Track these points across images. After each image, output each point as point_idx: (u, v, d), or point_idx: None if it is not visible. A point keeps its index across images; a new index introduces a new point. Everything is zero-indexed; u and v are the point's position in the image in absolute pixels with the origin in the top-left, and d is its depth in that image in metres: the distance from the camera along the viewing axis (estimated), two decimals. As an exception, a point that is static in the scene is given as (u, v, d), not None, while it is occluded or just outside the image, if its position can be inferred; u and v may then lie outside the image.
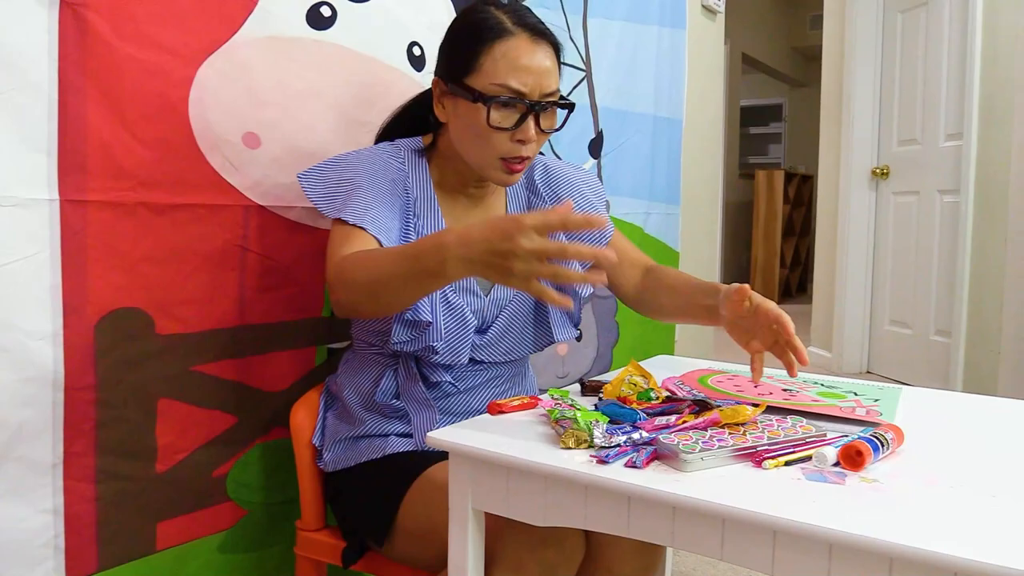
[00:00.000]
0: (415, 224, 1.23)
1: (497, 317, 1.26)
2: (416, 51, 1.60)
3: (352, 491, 1.24)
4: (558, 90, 1.18)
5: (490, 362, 1.28)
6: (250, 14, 1.29)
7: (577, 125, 2.20)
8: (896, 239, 3.98)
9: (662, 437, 0.85)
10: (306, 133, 1.40)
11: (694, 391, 1.06)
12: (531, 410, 1.05)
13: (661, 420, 0.93)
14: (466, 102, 1.15)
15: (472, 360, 1.25)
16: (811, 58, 7.49)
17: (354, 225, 1.14)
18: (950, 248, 3.52)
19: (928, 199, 3.73)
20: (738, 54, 7.16)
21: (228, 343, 1.33)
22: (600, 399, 1.05)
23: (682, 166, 2.79)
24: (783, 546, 0.71)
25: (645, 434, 0.88)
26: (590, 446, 0.88)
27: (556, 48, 1.20)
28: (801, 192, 7.34)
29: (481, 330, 1.25)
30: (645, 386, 1.05)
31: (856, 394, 1.10)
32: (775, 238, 7.08)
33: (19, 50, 1.04)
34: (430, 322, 1.16)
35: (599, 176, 2.31)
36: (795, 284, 7.51)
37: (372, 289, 1.04)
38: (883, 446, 0.85)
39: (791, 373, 1.05)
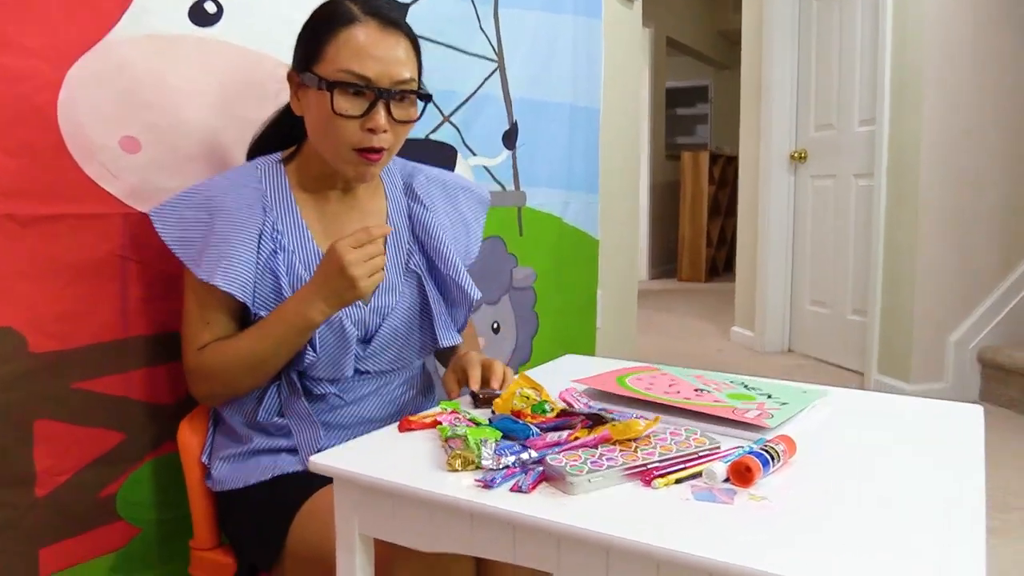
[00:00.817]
0: (280, 241, 1.19)
1: (381, 326, 1.23)
2: None
3: (240, 513, 1.20)
4: (415, 80, 1.16)
5: (377, 371, 1.25)
6: (125, 12, 1.21)
7: (490, 117, 2.16)
8: (815, 221, 4.06)
9: (550, 458, 0.83)
10: (190, 135, 1.33)
11: (590, 403, 1.04)
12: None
13: (553, 436, 0.91)
14: (315, 91, 1.13)
15: (358, 371, 1.22)
16: (735, 42, 7.56)
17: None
18: (865, 230, 3.61)
19: (844, 182, 3.81)
20: (663, 37, 7.20)
21: (111, 357, 1.26)
22: (493, 413, 1.02)
23: (600, 154, 2.79)
24: (667, 575, 0.70)
25: (535, 453, 0.86)
26: (478, 467, 0.85)
27: (411, 39, 1.17)
28: (726, 172, 7.45)
29: (365, 340, 1.22)
30: (538, 399, 1.02)
31: (770, 396, 1.10)
32: (701, 218, 7.18)
33: None
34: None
35: (514, 168, 2.28)
36: (722, 263, 7.63)
37: (245, 371, 1.16)
38: (773, 459, 0.84)
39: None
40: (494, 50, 2.15)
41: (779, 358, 4.12)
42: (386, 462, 0.90)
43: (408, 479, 0.84)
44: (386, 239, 1.28)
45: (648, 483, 0.82)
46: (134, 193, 1.26)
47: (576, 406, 1.02)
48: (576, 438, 0.90)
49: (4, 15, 1.07)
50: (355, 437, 1.22)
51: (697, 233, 7.21)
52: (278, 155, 1.25)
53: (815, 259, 4.07)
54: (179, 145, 1.31)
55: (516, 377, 1.11)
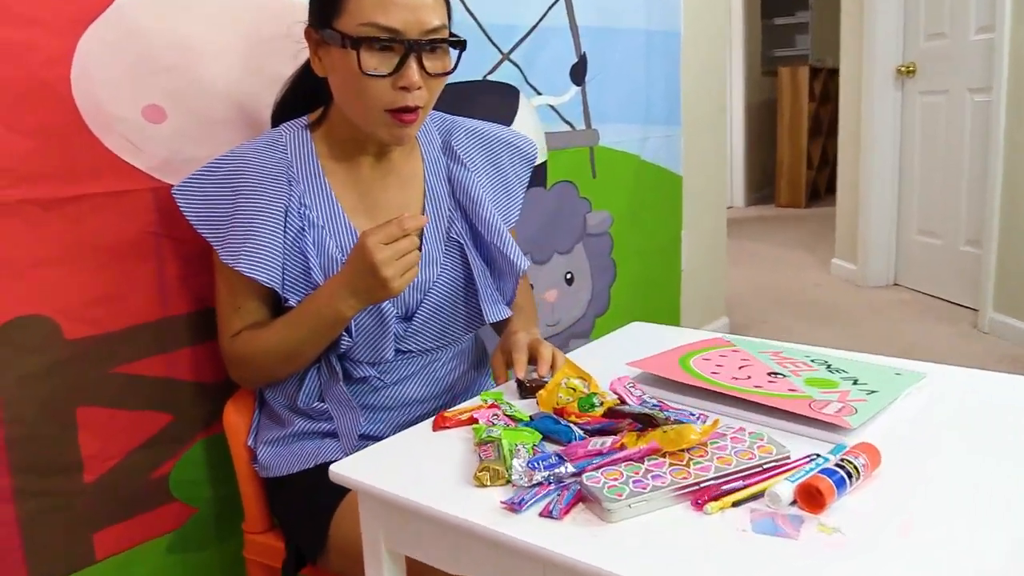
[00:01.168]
0: (308, 217, 1.10)
1: (422, 302, 1.14)
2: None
3: (286, 500, 1.15)
4: (445, 26, 1.04)
5: (421, 350, 1.16)
6: (135, -31, 1.12)
7: (555, 50, 2.00)
8: (924, 142, 3.71)
9: (587, 477, 0.73)
10: (218, 97, 1.24)
11: (644, 395, 0.93)
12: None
13: (596, 443, 0.80)
14: (339, 50, 1.02)
15: (400, 351, 1.13)
16: (838, -60, 6.97)
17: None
18: (981, 152, 3.27)
19: (958, 98, 3.45)
20: (758, -59, 6.68)
21: (151, 339, 1.22)
22: (531, 415, 0.92)
23: (682, 82, 2.58)
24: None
25: (571, 467, 0.76)
26: (508, 481, 0.76)
27: None
28: (829, 87, 6.94)
29: (406, 318, 1.14)
30: (586, 391, 0.92)
31: (856, 382, 0.96)
32: (801, 139, 6.75)
33: None
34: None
35: (584, 105, 2.12)
36: (823, 185, 7.19)
37: (279, 361, 1.11)
38: (851, 477, 0.71)
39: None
40: (557, -25, 1.97)
41: (883, 293, 3.85)
42: (410, 473, 0.82)
43: (430, 497, 0.76)
44: (424, 206, 1.18)
45: (700, 507, 0.70)
46: (163, 165, 1.19)
47: (628, 400, 0.91)
48: (622, 445, 0.79)
49: (-1, -18, 1.00)
50: (399, 419, 1.17)
51: (796, 155, 6.80)
52: (305, 119, 1.15)
53: (924, 184, 3.74)
54: (207, 110, 1.23)
55: (564, 363, 1.00)
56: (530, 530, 0.69)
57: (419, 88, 1.02)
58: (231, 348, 1.14)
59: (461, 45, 1.06)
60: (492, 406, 0.94)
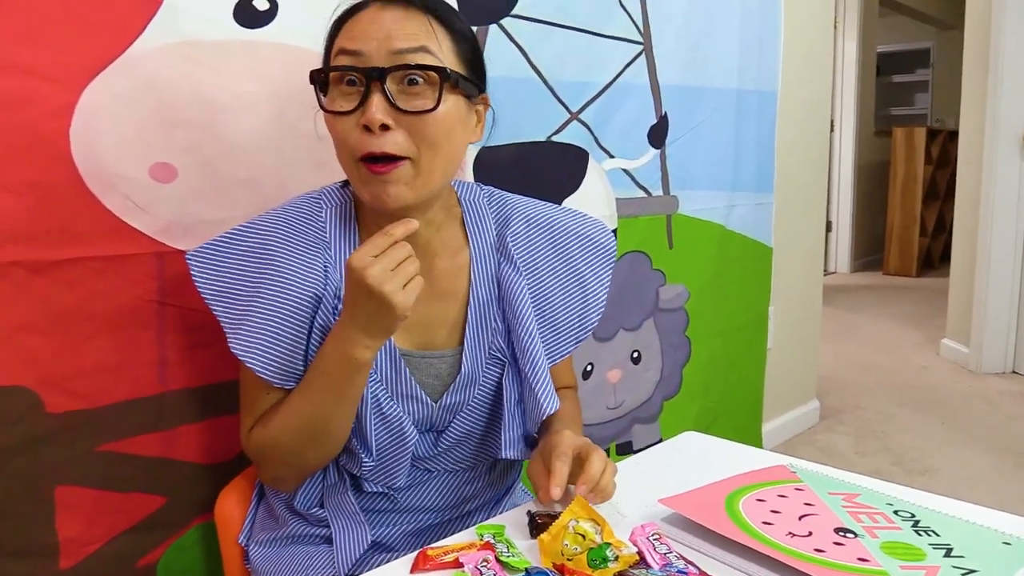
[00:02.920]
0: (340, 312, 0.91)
1: (451, 424, 0.99)
2: None
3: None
4: (425, 49, 0.86)
5: (445, 470, 1.02)
6: (152, 18, 1.04)
7: (632, 110, 1.85)
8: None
9: None
10: (238, 156, 1.15)
11: (671, 554, 0.74)
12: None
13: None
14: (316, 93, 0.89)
15: (421, 469, 1.00)
16: (964, -4, 6.60)
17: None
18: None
19: (1095, 171, 3.11)
20: (876, -5, 6.40)
21: (146, 415, 1.11)
22: (528, 567, 0.75)
23: (777, 145, 2.38)
24: None
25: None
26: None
27: (433, 14, 0.88)
28: (948, 151, 6.51)
29: (434, 435, 0.99)
30: (598, 540, 0.74)
31: (950, 552, 0.75)
32: (914, 203, 6.33)
33: None
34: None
35: (663, 169, 1.95)
36: (938, 254, 6.72)
37: (302, 444, 0.92)
38: None
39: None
40: (638, 30, 1.83)
41: (998, 382, 3.46)
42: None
43: None
44: (467, 319, 0.99)
45: None
46: (169, 228, 1.09)
47: (649, 559, 0.73)
48: (628, 634, 0.61)
49: (2, 31, 0.92)
50: (410, 525, 1.02)
51: (909, 220, 6.38)
52: (345, 186, 1.00)
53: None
54: (224, 168, 1.14)
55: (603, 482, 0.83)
56: None
57: (385, 128, 0.84)
58: (248, 445, 0.97)
59: (444, 75, 0.86)
60: (486, 546, 0.78)
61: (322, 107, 0.87)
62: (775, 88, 2.32)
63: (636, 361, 1.97)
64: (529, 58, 1.58)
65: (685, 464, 1.02)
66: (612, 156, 1.82)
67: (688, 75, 1.98)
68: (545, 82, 1.63)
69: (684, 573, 0.70)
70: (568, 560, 0.73)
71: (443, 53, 0.87)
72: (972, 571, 0.72)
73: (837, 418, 2.97)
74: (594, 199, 1.78)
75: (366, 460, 0.94)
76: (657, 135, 1.93)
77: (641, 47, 1.85)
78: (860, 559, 0.74)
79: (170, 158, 1.08)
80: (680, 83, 1.96)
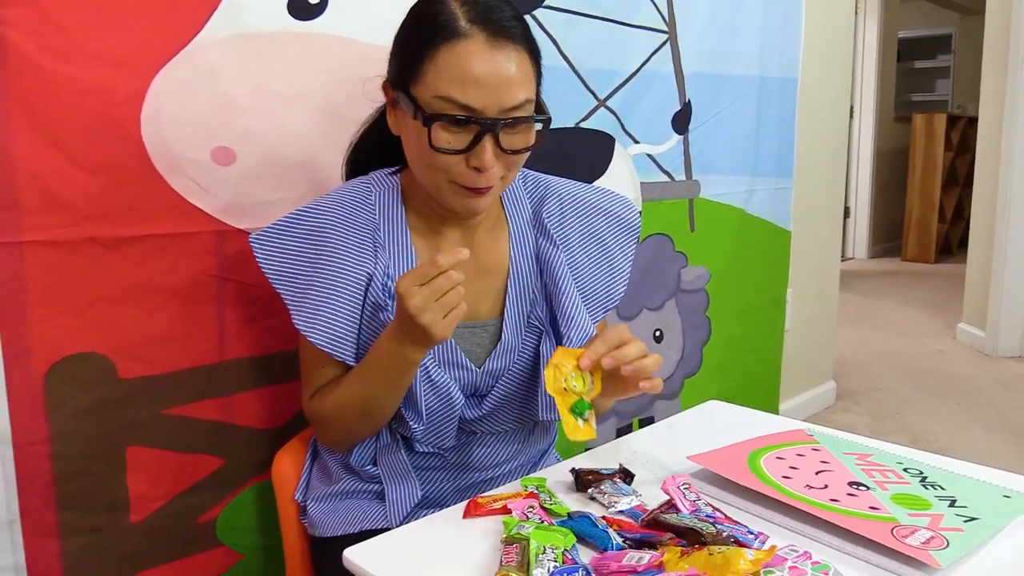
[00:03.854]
0: (391, 289, 1.01)
1: (493, 388, 1.06)
2: None
3: (328, 561, 1.09)
4: (530, 100, 0.93)
5: (490, 432, 1.10)
6: (214, 11, 1.12)
7: (657, 97, 1.92)
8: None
9: (610, 605, 0.64)
10: (291, 141, 1.22)
11: (699, 499, 0.82)
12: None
13: (632, 558, 0.71)
14: (413, 120, 0.94)
15: (467, 432, 1.07)
16: (986, -19, 6.56)
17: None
18: None
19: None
20: (897, -19, 6.38)
21: (207, 382, 1.20)
22: (570, 511, 0.82)
23: (797, 131, 2.44)
24: None
25: (599, 588, 0.67)
26: (526, 596, 0.68)
27: (526, 47, 0.94)
28: (968, 137, 6.50)
29: (477, 401, 1.07)
30: (576, 391, 0.88)
31: (954, 503, 0.82)
32: (933, 189, 6.34)
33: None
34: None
35: (686, 154, 2.02)
36: (956, 240, 6.73)
37: (356, 419, 1.03)
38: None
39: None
40: (664, 19, 1.89)
41: (1014, 365, 3.51)
42: (425, 568, 0.74)
43: (439, 603, 0.68)
44: (507, 289, 1.08)
45: (741, 657, 0.60)
46: (228, 208, 1.18)
47: (680, 504, 0.80)
48: (660, 565, 0.69)
49: (77, 24, 1.01)
50: (460, 482, 1.10)
51: (927, 206, 6.39)
52: (396, 179, 1.08)
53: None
54: (279, 153, 1.22)
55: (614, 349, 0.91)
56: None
57: (492, 168, 0.94)
58: (309, 409, 1.08)
59: (546, 122, 0.97)
60: (530, 495, 0.86)
61: (431, 145, 0.92)
62: (796, 75, 2.38)
63: (658, 340, 2.04)
64: (559, 47, 1.65)
65: (710, 428, 1.10)
66: (637, 141, 1.89)
67: (712, 63, 2.04)
68: (574, 70, 1.69)
69: (712, 517, 0.78)
70: (563, 390, 0.88)
71: (533, 88, 0.95)
72: (973, 518, 0.80)
73: (853, 399, 3.03)
74: (620, 183, 1.85)
75: (416, 426, 1.02)
76: (680, 121, 1.99)
77: (666, 36, 1.91)
78: (871, 507, 0.81)
79: (229, 142, 1.16)
80: (704, 71, 2.02)
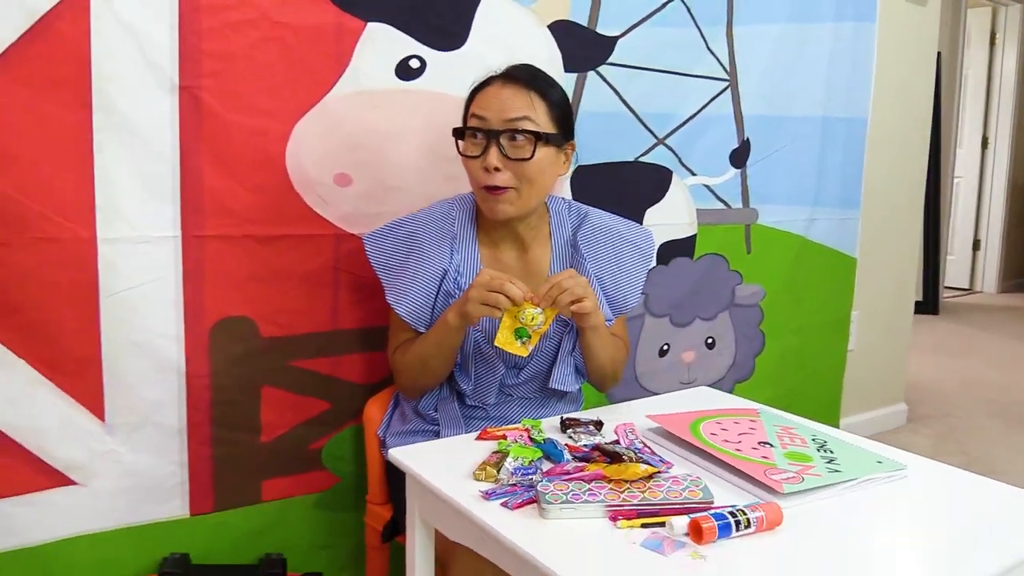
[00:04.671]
0: (459, 283, 1.40)
1: (528, 364, 1.44)
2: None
3: (396, 481, 1.49)
4: (528, 118, 1.32)
5: (523, 397, 1.47)
6: (341, 76, 1.55)
7: (716, 136, 2.21)
8: None
9: (540, 485, 0.99)
10: (394, 170, 1.64)
11: (636, 441, 1.15)
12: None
13: (569, 465, 1.06)
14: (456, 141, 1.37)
15: (507, 395, 1.46)
16: None
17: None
18: None
19: None
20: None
21: (323, 344, 1.63)
22: (543, 438, 1.18)
23: (871, 165, 2.65)
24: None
25: (539, 478, 1.02)
26: (496, 480, 1.04)
27: (536, 89, 1.34)
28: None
29: (516, 371, 1.44)
30: (532, 327, 1.23)
31: (832, 461, 1.10)
32: (1074, 225, 6.12)
33: (147, 127, 1.39)
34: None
35: (743, 186, 2.30)
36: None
37: (419, 366, 1.41)
38: (739, 525, 0.91)
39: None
40: (724, 69, 2.19)
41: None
42: (443, 465, 1.11)
43: (443, 483, 1.05)
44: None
45: (614, 521, 0.94)
46: (345, 218, 1.60)
47: (621, 440, 1.15)
48: (583, 469, 1.04)
49: (247, 88, 1.46)
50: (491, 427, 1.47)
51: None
52: (472, 199, 1.47)
53: None
54: (385, 178, 1.63)
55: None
56: (488, 513, 0.96)
57: (497, 170, 1.31)
58: (392, 360, 1.47)
59: (538, 137, 1.32)
60: (525, 430, 1.22)
61: (459, 151, 1.36)
62: (864, 115, 2.59)
63: (710, 346, 2.33)
64: (621, 96, 1.99)
65: (695, 404, 1.40)
66: (695, 174, 2.19)
67: (772, 106, 2.31)
68: (634, 114, 2.03)
69: (638, 450, 1.11)
70: (514, 318, 1.23)
71: (539, 118, 1.34)
72: (836, 470, 1.08)
73: (924, 422, 3.16)
74: (676, 209, 2.16)
75: (465, 386, 1.40)
76: (739, 157, 2.28)
77: (727, 83, 2.21)
78: (763, 456, 1.12)
79: (348, 170, 1.59)
80: (763, 113, 2.29)
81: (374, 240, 1.46)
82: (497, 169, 1.32)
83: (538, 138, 1.33)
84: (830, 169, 2.51)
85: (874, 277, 2.85)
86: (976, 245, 6.47)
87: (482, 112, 1.33)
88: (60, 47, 1.30)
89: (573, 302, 1.25)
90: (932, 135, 3.10)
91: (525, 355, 1.28)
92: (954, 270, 6.38)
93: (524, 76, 1.36)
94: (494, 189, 1.34)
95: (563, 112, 1.40)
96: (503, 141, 1.32)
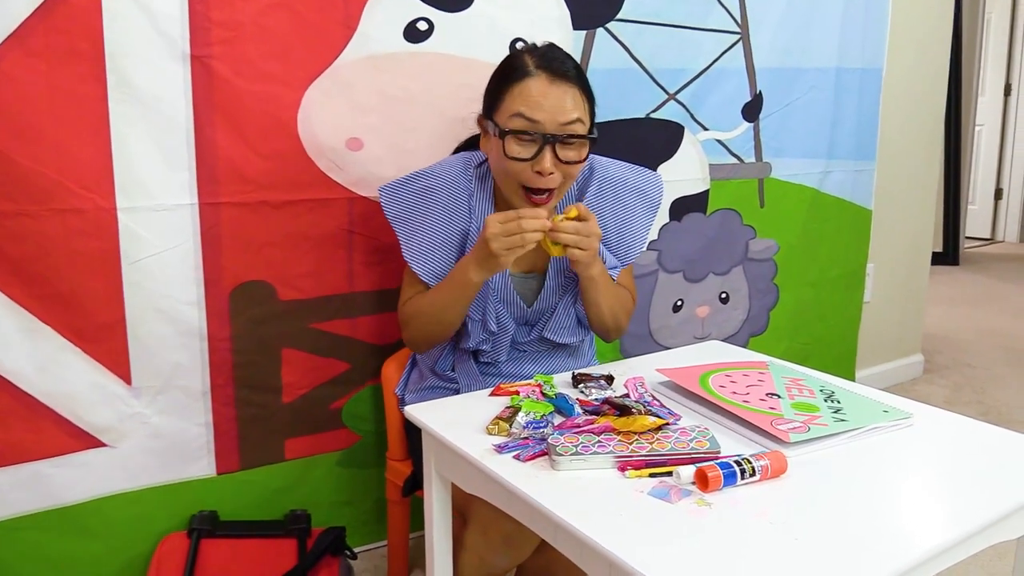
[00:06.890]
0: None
1: (537, 322, 1.47)
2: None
3: (414, 437, 1.53)
4: (582, 120, 1.28)
5: (535, 352, 1.50)
6: (349, 40, 1.56)
7: (727, 90, 2.20)
8: None
9: (551, 437, 1.02)
10: (406, 134, 1.66)
11: (645, 395, 1.18)
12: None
13: (580, 419, 1.09)
14: (494, 137, 1.31)
15: (519, 350, 1.48)
16: None
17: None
18: None
19: None
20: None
21: (340, 306, 1.67)
22: (556, 395, 1.21)
23: (888, 116, 2.63)
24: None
25: (551, 432, 1.05)
26: (508, 434, 1.07)
27: (581, 87, 1.30)
28: None
29: (528, 328, 1.47)
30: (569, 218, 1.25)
31: (838, 410, 1.12)
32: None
33: (161, 97, 1.41)
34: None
35: (756, 139, 2.29)
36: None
37: (433, 318, 1.39)
38: (744, 473, 0.94)
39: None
40: (736, 22, 2.17)
41: None
42: (457, 419, 1.15)
43: (457, 437, 1.09)
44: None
45: (623, 471, 0.97)
46: (358, 182, 1.63)
47: (631, 393, 1.17)
48: (593, 422, 1.07)
49: (257, 54, 1.47)
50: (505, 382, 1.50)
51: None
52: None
53: None
54: (396, 142, 1.65)
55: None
56: (501, 464, 1.00)
57: (552, 174, 1.28)
58: (402, 311, 1.45)
59: (593, 142, 1.31)
60: (538, 385, 1.25)
61: (505, 155, 1.28)
62: (879, 65, 2.56)
63: (724, 301, 2.34)
64: (631, 52, 1.98)
65: (704, 358, 1.42)
66: (706, 128, 2.19)
67: (784, 58, 2.29)
68: (645, 70, 2.02)
69: (647, 403, 1.14)
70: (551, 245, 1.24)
71: (585, 116, 1.31)
72: (843, 419, 1.11)
73: (941, 372, 3.17)
74: (688, 165, 2.16)
75: (480, 344, 1.43)
76: (751, 111, 2.27)
77: (738, 36, 2.19)
78: (771, 408, 1.14)
79: (359, 134, 1.61)
80: (776, 66, 2.28)
81: (390, 192, 1.44)
82: (551, 173, 1.29)
83: (591, 141, 1.32)
84: (844, 121, 2.50)
85: (890, 229, 2.84)
86: (998, 194, 6.39)
87: (532, 114, 1.26)
88: (73, 20, 1.32)
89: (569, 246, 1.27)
90: (952, 83, 3.06)
91: (564, 255, 1.29)
92: (975, 220, 6.31)
93: (569, 72, 1.30)
94: (540, 193, 1.31)
95: (593, 101, 1.37)
96: (558, 146, 1.27)
